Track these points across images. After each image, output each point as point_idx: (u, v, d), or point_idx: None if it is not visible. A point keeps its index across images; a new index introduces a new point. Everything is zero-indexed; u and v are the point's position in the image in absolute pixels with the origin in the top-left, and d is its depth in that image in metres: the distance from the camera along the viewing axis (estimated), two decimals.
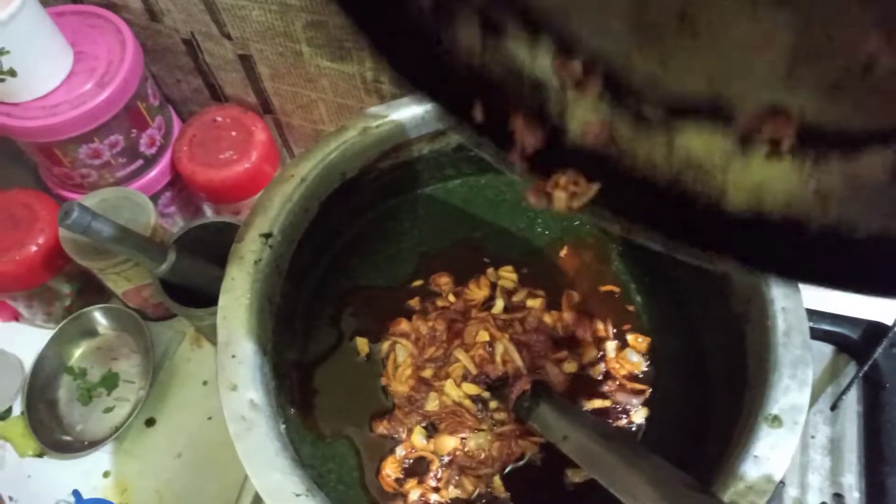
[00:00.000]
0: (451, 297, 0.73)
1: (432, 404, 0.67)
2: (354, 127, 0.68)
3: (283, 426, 0.56)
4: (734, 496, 0.51)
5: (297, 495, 0.51)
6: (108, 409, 1.00)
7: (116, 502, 0.93)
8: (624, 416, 0.68)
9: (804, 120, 0.31)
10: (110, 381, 1.01)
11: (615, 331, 0.72)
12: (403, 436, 0.66)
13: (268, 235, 0.63)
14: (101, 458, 0.96)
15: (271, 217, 0.63)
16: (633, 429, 0.67)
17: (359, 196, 0.74)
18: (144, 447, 0.97)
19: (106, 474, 0.96)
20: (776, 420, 0.54)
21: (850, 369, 0.83)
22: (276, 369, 0.62)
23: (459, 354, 0.68)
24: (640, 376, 0.70)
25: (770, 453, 0.53)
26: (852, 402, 0.80)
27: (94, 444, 0.96)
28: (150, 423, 0.99)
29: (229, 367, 0.56)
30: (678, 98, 0.34)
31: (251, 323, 0.58)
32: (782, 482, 0.75)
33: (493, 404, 0.67)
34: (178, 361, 1.00)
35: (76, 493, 0.88)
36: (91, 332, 1.03)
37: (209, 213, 1.08)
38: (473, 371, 0.68)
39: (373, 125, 0.68)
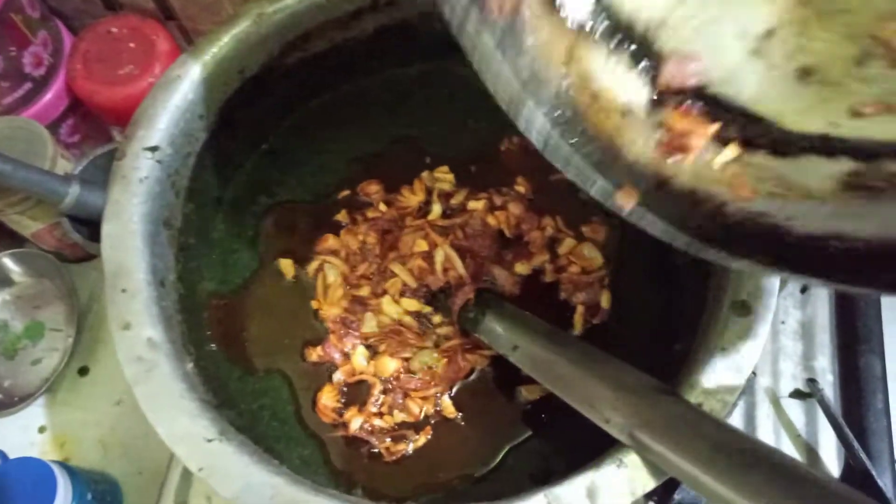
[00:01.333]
0: (383, 207, 0.65)
1: (369, 325, 0.60)
2: (248, 15, 0.58)
3: (190, 365, 0.50)
4: (702, 396, 0.46)
5: (209, 440, 0.45)
6: (37, 361, 0.92)
7: (56, 457, 0.86)
8: (583, 317, 0.62)
9: None
10: (35, 332, 0.93)
11: (568, 225, 0.65)
12: (339, 361, 0.60)
13: (154, 149, 0.54)
14: (35, 413, 0.89)
15: (158, 128, 0.54)
16: (592, 329, 0.62)
17: (270, 98, 0.64)
18: (80, 397, 0.90)
19: (42, 429, 0.89)
20: (744, 307, 0.48)
21: None
22: (184, 302, 0.55)
23: (395, 268, 0.61)
24: (599, 272, 0.64)
25: (739, 344, 0.47)
26: None
27: (25, 399, 0.88)
28: (84, 371, 0.92)
29: (120, 303, 0.49)
30: None
31: (142, 251, 0.51)
32: (753, 373, 0.71)
33: (436, 319, 0.61)
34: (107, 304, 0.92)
35: (1, 454, 0.81)
36: (6, 281, 0.94)
37: (119, 139, 0.98)
38: (413, 284, 0.61)
39: (268, 10, 0.58)
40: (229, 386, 0.59)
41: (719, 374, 0.46)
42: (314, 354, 0.60)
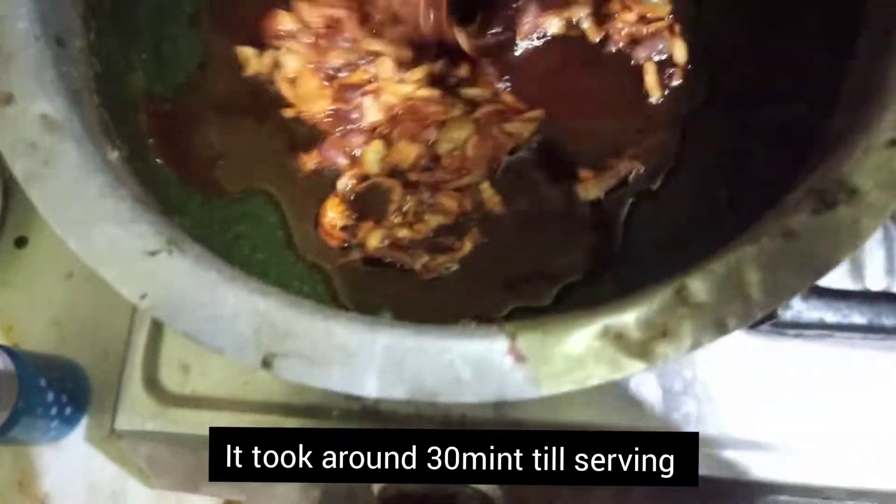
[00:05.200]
0: None
1: (373, 113, 0.43)
2: None
3: (114, 154, 0.33)
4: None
5: (152, 253, 0.29)
6: None
7: (3, 343, 0.71)
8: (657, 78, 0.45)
9: None
10: None
11: None
12: (344, 165, 0.44)
13: None
14: None
15: None
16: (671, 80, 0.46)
17: None
18: (22, 273, 0.75)
19: None
20: None
21: None
22: (103, 85, 0.37)
23: (374, 45, 0.44)
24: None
25: None
26: None
27: None
28: (21, 242, 0.76)
29: None
30: None
31: None
32: None
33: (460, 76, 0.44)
34: None
35: None
36: None
37: None
38: (407, 54, 0.44)
39: None
40: (185, 218, 0.42)
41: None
42: (310, 162, 0.43)
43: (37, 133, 0.30)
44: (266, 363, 0.27)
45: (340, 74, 0.45)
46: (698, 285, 0.28)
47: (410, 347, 0.27)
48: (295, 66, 0.45)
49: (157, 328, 0.52)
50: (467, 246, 0.41)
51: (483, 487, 0.43)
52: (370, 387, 0.27)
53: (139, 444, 0.52)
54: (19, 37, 0.32)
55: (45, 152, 0.30)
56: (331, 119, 0.44)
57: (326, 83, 0.45)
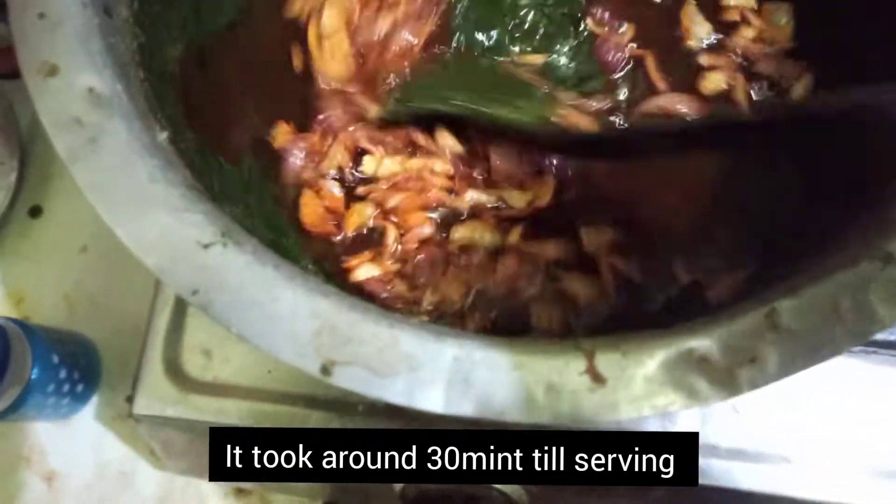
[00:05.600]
0: None
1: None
2: None
3: (163, 136, 0.30)
4: None
5: (206, 245, 0.27)
6: None
7: (14, 315, 0.70)
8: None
9: None
10: None
11: None
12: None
13: None
14: None
15: None
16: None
17: None
18: (35, 244, 0.73)
19: None
20: None
21: None
22: (146, 57, 0.35)
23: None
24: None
25: None
26: None
27: None
28: (36, 212, 0.74)
29: (37, 36, 0.29)
30: None
31: None
32: None
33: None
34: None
35: None
36: None
37: None
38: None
39: None
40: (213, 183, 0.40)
41: None
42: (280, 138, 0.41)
43: (83, 108, 0.28)
44: (325, 371, 0.25)
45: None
46: (789, 309, 0.26)
47: (480, 360, 0.25)
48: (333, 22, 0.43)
49: (180, 311, 0.50)
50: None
51: (506, 489, 0.42)
52: (436, 401, 0.25)
53: (157, 428, 0.50)
54: (66, 3, 0.30)
55: (91, 129, 0.28)
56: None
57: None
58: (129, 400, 0.51)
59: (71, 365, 0.59)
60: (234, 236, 0.27)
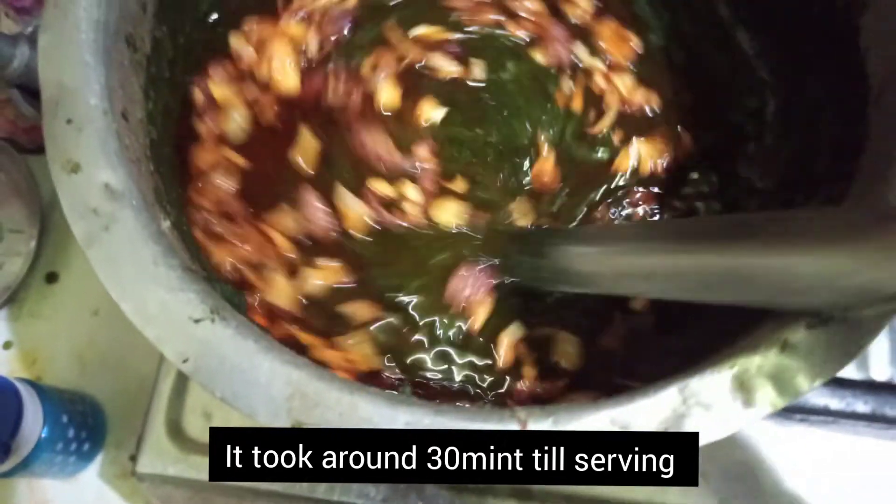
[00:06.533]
0: None
1: None
2: None
3: (166, 224, 0.35)
4: None
5: (197, 321, 0.31)
6: None
7: (26, 376, 0.73)
8: None
9: None
10: None
11: None
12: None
13: None
14: None
15: None
16: None
17: None
18: (50, 307, 0.77)
19: (7, 345, 0.76)
20: None
21: None
22: (157, 151, 0.40)
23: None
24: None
25: None
26: None
27: None
28: (52, 278, 0.78)
29: (64, 138, 0.34)
30: None
31: (94, 69, 0.36)
32: None
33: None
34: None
35: None
36: None
37: None
38: None
39: None
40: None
41: None
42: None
43: (99, 200, 0.33)
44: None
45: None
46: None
47: (428, 426, 0.29)
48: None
49: (183, 375, 0.54)
50: None
51: None
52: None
53: (158, 485, 0.53)
54: (89, 111, 0.35)
55: (105, 218, 0.33)
56: None
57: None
58: (133, 459, 0.54)
59: (79, 424, 0.62)
60: (222, 313, 0.31)
